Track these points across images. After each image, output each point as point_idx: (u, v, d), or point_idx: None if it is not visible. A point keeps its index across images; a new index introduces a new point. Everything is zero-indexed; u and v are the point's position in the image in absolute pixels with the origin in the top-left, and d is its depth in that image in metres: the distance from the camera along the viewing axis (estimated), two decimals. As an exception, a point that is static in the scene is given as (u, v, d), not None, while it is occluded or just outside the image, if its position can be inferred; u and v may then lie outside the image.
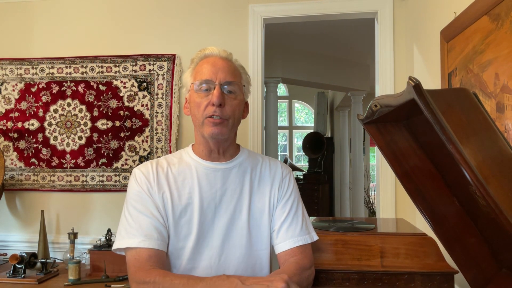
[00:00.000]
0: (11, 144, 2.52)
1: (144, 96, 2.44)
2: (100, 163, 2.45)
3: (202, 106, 1.09)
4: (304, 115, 9.85)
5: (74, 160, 2.47)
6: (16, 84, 2.53)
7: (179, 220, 1.10)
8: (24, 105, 2.51)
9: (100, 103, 2.46)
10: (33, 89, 2.51)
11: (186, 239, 1.10)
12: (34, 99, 2.51)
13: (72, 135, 2.48)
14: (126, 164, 2.44)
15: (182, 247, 1.10)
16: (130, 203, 1.10)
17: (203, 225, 1.10)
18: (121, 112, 2.44)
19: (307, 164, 7.26)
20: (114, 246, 1.08)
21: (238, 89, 1.12)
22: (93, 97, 2.47)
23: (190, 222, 1.10)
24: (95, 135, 2.46)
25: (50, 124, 2.50)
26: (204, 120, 1.09)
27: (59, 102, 2.49)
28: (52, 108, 2.50)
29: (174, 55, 2.43)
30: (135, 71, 2.45)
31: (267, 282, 0.90)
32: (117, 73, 2.46)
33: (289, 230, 1.15)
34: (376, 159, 2.43)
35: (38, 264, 2.04)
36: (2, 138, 2.52)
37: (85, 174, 2.46)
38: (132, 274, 1.02)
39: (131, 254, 1.04)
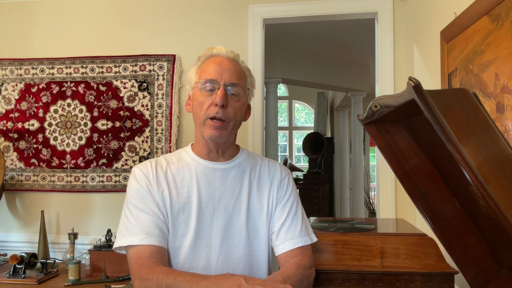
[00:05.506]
0: (11, 144, 2.52)
1: (144, 97, 2.44)
2: (100, 163, 2.45)
3: (205, 106, 1.08)
4: (304, 116, 9.85)
5: (74, 161, 2.47)
6: (16, 85, 2.53)
7: (177, 218, 1.10)
8: (24, 105, 2.51)
9: (100, 104, 2.46)
10: (33, 90, 2.51)
11: (183, 238, 1.10)
12: (34, 99, 2.51)
13: (72, 136, 2.48)
14: (126, 164, 2.44)
15: (179, 246, 1.10)
16: (130, 201, 1.10)
17: (201, 224, 1.10)
18: (121, 113, 2.44)
19: (307, 164, 7.26)
20: (116, 245, 1.08)
21: (242, 91, 1.12)
22: (93, 97, 2.47)
23: (188, 220, 1.10)
24: (95, 135, 2.46)
25: (50, 125, 2.50)
26: (205, 121, 1.09)
27: (59, 102, 2.50)
28: (52, 108, 2.50)
29: (174, 56, 2.43)
30: (135, 71, 2.45)
31: (273, 284, 0.90)
32: (117, 74, 2.46)
33: (289, 231, 1.15)
34: (376, 159, 2.43)
35: (38, 265, 2.04)
36: (2, 139, 2.52)
37: (85, 175, 2.46)
38: (134, 272, 1.02)
39: (133, 252, 1.04)
